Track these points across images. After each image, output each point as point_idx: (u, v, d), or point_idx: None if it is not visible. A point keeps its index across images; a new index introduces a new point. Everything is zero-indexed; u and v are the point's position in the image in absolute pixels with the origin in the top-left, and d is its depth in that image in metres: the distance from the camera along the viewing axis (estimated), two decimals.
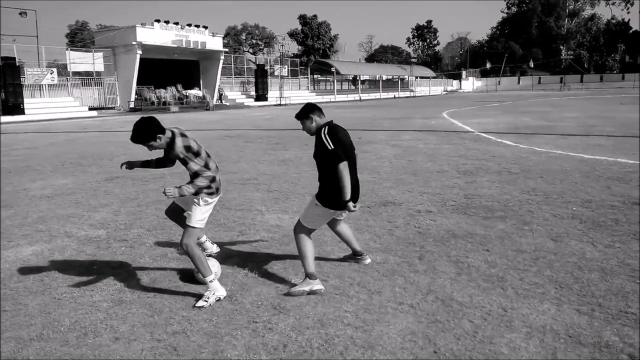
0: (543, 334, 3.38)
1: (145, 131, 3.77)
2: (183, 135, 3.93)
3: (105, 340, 3.44)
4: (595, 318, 3.59)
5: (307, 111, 4.11)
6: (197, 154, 3.93)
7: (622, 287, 4.09)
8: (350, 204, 4.02)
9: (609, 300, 3.88)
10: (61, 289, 4.33)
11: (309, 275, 4.13)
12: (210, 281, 3.96)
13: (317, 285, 4.11)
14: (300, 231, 4.23)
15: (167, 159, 4.16)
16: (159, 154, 4.20)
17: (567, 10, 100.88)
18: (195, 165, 3.92)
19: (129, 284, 4.38)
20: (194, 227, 3.98)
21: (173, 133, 3.89)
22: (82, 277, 4.57)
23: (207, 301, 3.91)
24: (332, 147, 3.91)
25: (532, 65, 75.93)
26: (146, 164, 4.23)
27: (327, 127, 4.05)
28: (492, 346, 3.25)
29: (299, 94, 54.80)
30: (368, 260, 4.77)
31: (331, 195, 4.06)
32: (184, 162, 3.91)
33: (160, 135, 3.80)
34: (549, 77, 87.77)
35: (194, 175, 3.93)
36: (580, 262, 4.66)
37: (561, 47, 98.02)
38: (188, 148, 3.89)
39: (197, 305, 3.89)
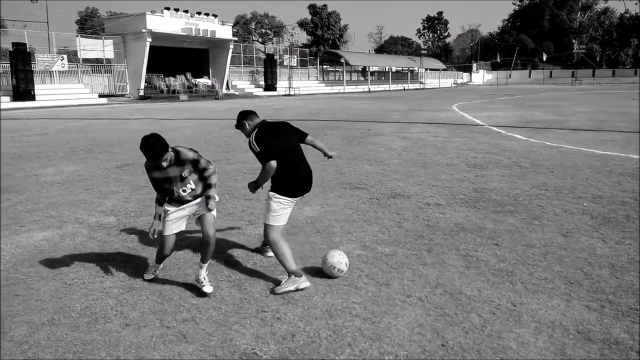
0: (552, 330, 3.37)
1: (161, 143, 3.73)
2: (178, 145, 4.05)
3: (115, 326, 3.47)
4: (605, 314, 3.58)
5: (240, 119, 4.32)
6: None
7: (633, 284, 4.07)
8: (252, 187, 4.27)
9: (619, 296, 3.86)
10: (72, 274, 4.37)
11: (293, 273, 4.04)
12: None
13: (303, 282, 4.03)
14: (271, 234, 4.15)
15: (164, 188, 4.00)
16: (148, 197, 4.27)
17: (580, 4, 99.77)
18: (204, 159, 4.03)
19: (139, 271, 4.41)
20: (215, 217, 4.08)
21: (173, 148, 3.93)
22: (93, 263, 4.61)
23: (206, 285, 3.96)
24: (259, 149, 4.05)
25: (545, 59, 75.23)
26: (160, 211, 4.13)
27: (256, 129, 4.18)
28: (501, 341, 3.25)
29: (308, 84, 54.68)
30: (270, 253, 4.69)
31: (286, 184, 4.16)
32: (196, 163, 3.94)
33: (169, 148, 3.85)
34: (561, 71, 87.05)
35: (205, 169, 3.99)
36: (590, 258, 4.64)
37: (573, 41, 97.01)
38: (193, 149, 4.01)
39: (206, 291, 3.91)
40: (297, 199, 4.33)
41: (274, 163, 4.03)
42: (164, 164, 3.79)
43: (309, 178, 4.37)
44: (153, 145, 3.70)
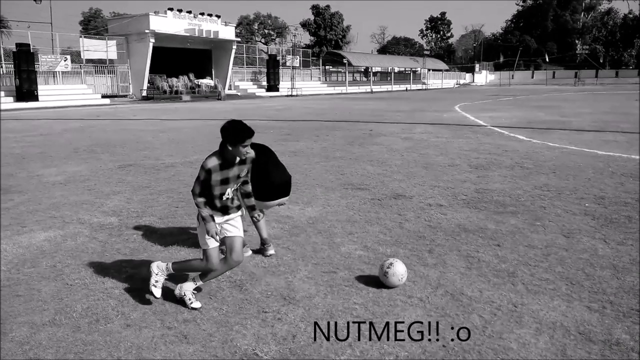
0: (553, 331, 3.37)
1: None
2: None
3: (116, 326, 3.48)
4: (606, 315, 3.57)
5: None
6: None
7: (634, 285, 4.06)
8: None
9: (620, 297, 3.85)
10: (73, 275, 4.37)
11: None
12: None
13: (245, 252, 4.62)
14: None
15: (212, 193, 3.65)
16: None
17: (584, 4, 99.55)
18: None
19: (140, 272, 4.41)
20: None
21: None
22: (94, 264, 4.62)
23: (194, 301, 3.82)
24: None
25: (548, 60, 75.10)
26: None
27: None
28: (502, 341, 3.24)
29: (311, 84, 54.70)
30: (271, 252, 4.81)
31: (262, 191, 4.64)
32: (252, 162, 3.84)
33: None
34: (564, 71, 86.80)
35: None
36: (592, 259, 4.63)
37: (576, 42, 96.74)
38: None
39: (195, 307, 3.74)
40: (275, 202, 4.82)
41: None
42: (248, 151, 3.58)
43: (286, 184, 4.86)
44: (247, 126, 3.48)
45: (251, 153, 3.71)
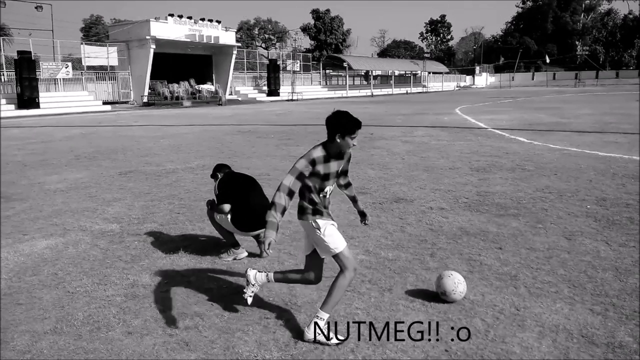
0: (556, 334, 3.35)
1: None
2: None
3: (117, 334, 3.47)
4: (609, 318, 3.56)
5: (215, 171, 5.15)
6: None
7: (637, 287, 4.04)
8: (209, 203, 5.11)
9: (623, 300, 3.83)
10: (75, 282, 4.37)
11: (232, 245, 4.93)
12: None
13: (240, 253, 4.91)
14: (212, 216, 5.00)
15: (310, 189, 3.39)
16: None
17: (583, 5, 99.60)
18: None
19: (141, 279, 4.42)
20: None
21: None
22: (96, 271, 4.62)
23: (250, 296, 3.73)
24: (217, 192, 4.90)
25: (548, 61, 75.11)
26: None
27: (220, 179, 4.99)
28: (504, 345, 3.23)
29: (311, 89, 54.74)
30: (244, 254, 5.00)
31: (241, 220, 4.83)
32: (349, 158, 3.62)
33: None
34: (564, 73, 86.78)
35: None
36: (594, 261, 4.62)
37: (576, 43, 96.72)
38: None
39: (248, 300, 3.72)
40: (254, 233, 4.90)
41: (226, 207, 4.79)
42: (355, 143, 3.33)
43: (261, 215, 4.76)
44: (355, 117, 3.29)
45: (352, 148, 3.44)
